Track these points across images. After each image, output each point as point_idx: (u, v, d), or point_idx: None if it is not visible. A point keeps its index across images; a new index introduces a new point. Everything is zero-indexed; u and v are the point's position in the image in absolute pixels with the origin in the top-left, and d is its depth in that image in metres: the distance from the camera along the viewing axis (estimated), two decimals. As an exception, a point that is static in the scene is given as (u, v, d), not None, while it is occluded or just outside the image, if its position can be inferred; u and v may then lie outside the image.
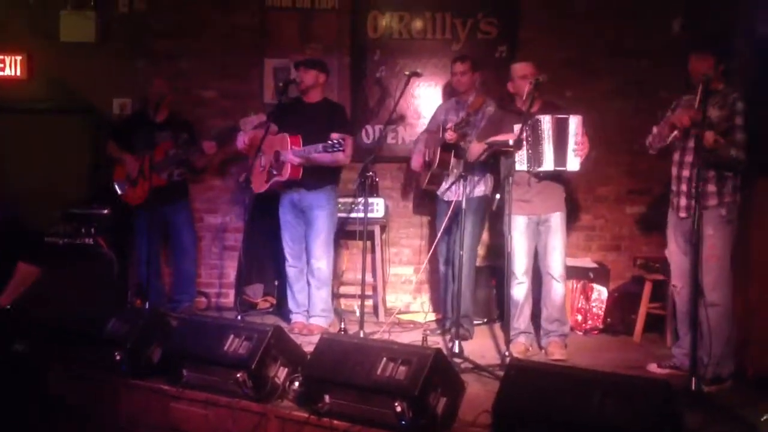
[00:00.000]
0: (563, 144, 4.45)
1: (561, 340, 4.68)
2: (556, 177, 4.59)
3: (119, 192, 5.71)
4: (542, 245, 4.67)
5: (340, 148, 4.69)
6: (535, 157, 4.49)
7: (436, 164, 5.05)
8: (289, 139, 5.01)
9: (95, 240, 5.56)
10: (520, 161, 4.51)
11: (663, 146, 4.20)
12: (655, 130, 4.25)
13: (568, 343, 4.74)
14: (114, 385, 4.20)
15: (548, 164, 4.48)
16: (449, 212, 4.91)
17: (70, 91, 6.32)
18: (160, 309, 5.26)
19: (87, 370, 4.30)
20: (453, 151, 4.99)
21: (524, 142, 4.46)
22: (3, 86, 6.41)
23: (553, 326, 4.69)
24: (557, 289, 4.65)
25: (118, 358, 4.11)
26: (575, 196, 5.67)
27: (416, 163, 5.40)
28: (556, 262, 4.62)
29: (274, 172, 5.06)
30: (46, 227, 5.74)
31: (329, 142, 4.70)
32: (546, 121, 4.47)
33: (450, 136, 4.86)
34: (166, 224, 5.79)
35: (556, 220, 4.64)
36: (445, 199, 5.12)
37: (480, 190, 5.06)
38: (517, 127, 4.48)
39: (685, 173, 4.09)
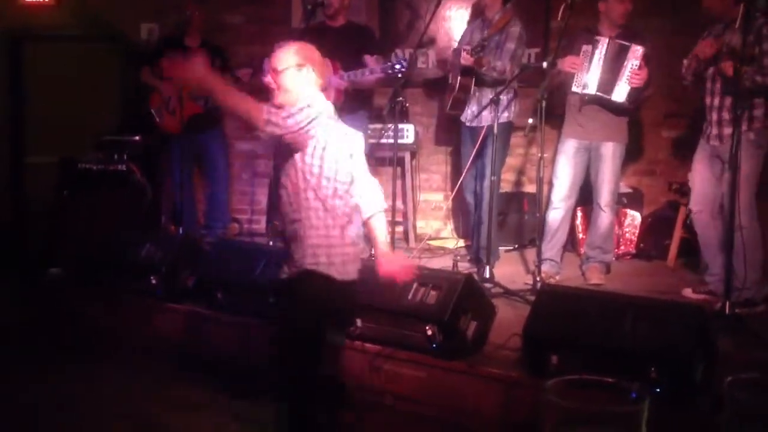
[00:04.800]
0: (615, 71, 4.38)
1: (600, 266, 4.68)
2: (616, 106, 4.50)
3: (157, 120, 5.71)
4: (593, 173, 4.62)
5: (401, 68, 4.61)
6: (584, 79, 4.44)
7: (456, 89, 4.91)
8: (331, 64, 4.91)
9: (128, 167, 5.60)
10: (577, 83, 4.48)
11: (695, 77, 4.15)
12: (685, 62, 4.16)
13: (607, 270, 4.74)
14: (149, 308, 4.29)
15: (591, 88, 4.43)
16: (480, 138, 4.78)
17: (97, 16, 6.26)
18: (194, 234, 5.33)
19: (122, 294, 4.40)
20: (474, 76, 4.83)
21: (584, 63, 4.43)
22: (31, 13, 6.37)
23: (594, 253, 4.69)
24: (602, 218, 4.63)
25: (153, 282, 4.19)
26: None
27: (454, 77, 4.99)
28: (603, 191, 4.59)
29: None
30: (79, 154, 5.78)
31: (389, 62, 4.63)
32: (602, 44, 4.39)
33: (465, 59, 4.66)
34: (200, 152, 5.82)
35: (608, 149, 4.56)
36: (468, 124, 4.98)
37: (505, 116, 4.89)
38: (585, 48, 4.42)
39: (715, 102, 4.05)
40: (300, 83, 2.80)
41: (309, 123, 2.69)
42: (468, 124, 4.95)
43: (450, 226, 6.15)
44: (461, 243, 5.80)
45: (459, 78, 4.85)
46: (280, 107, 2.79)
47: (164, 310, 4.23)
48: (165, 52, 5.70)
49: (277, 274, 2.98)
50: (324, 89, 2.97)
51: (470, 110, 4.88)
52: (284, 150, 2.74)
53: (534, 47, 5.57)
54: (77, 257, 4.75)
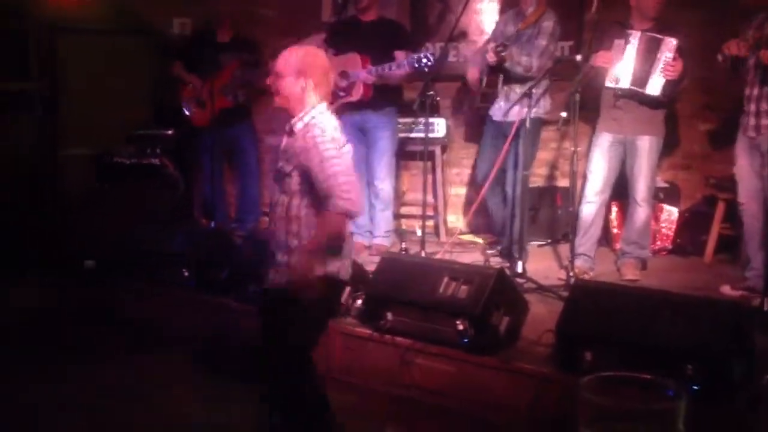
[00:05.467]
0: (649, 64, 4.31)
1: (636, 261, 4.62)
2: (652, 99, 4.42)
3: (187, 113, 5.74)
4: (629, 167, 4.56)
5: (428, 62, 4.58)
6: (617, 74, 4.38)
7: (484, 83, 4.83)
8: (360, 59, 4.91)
9: (161, 160, 5.65)
10: (610, 78, 4.42)
11: (733, 68, 4.08)
12: (719, 57, 4.09)
13: (643, 266, 4.67)
14: (182, 300, 4.32)
15: (625, 82, 4.37)
16: (509, 133, 4.70)
17: (130, 10, 6.31)
18: (225, 227, 5.36)
19: (156, 286, 4.44)
20: (501, 72, 4.68)
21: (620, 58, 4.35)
22: (64, 6, 6.43)
23: (630, 248, 4.64)
24: (639, 213, 4.57)
25: (186, 274, 4.23)
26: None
27: (471, 76, 4.93)
28: (640, 185, 4.52)
29: (342, 93, 4.96)
30: (112, 148, 5.84)
31: (416, 56, 4.60)
32: (634, 37, 4.32)
33: (490, 57, 4.56)
34: (230, 146, 5.84)
35: (644, 143, 4.49)
36: (495, 119, 4.91)
37: (534, 112, 4.79)
38: (617, 42, 4.36)
39: (755, 92, 4.00)
40: (296, 92, 2.81)
41: (321, 136, 2.76)
42: (495, 118, 4.89)
43: (481, 220, 6.09)
44: (480, 240, 5.73)
45: (487, 73, 4.77)
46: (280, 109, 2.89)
47: (196, 302, 4.25)
48: (197, 47, 5.73)
49: (264, 282, 2.85)
50: (332, 97, 2.94)
51: (497, 105, 4.82)
52: (291, 156, 2.80)
53: (567, 40, 5.48)
54: (111, 250, 4.80)
